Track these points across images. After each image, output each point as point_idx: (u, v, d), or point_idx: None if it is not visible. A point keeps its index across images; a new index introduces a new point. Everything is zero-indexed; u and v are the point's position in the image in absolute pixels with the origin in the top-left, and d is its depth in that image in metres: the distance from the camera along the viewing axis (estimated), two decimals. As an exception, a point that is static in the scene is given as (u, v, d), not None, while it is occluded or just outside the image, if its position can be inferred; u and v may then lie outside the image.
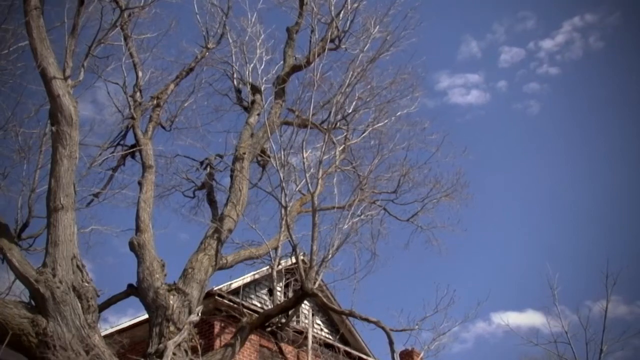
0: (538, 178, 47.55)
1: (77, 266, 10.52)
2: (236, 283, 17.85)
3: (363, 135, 15.58)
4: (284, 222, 12.99)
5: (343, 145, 14.79)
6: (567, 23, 44.43)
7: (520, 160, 44.54)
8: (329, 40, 16.05)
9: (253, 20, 16.80)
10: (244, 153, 14.58)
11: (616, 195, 44.39)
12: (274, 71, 16.75)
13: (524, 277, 43.93)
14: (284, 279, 18.41)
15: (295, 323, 17.62)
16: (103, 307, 12.02)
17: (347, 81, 14.21)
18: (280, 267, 14.77)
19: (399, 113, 16.05)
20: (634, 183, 40.60)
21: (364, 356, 20.63)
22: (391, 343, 11.95)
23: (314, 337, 18.08)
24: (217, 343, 16.36)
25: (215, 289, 16.76)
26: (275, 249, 13.70)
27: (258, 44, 16.53)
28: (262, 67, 16.34)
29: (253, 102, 15.95)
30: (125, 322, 17.47)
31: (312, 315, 19.97)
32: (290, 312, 13.58)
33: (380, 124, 15.67)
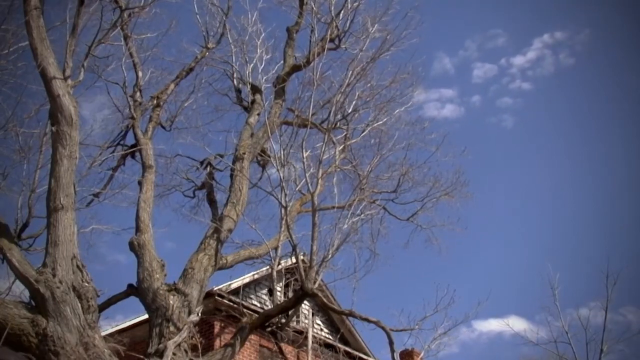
0: (538, 178, 47.61)
1: (77, 266, 10.51)
2: (236, 283, 17.85)
3: (363, 134, 15.59)
4: (284, 222, 12.98)
5: (343, 145, 14.79)
6: (537, 40, 45.92)
7: (499, 169, 45.44)
8: (328, 40, 16.04)
9: (253, 19, 16.82)
10: (244, 153, 14.57)
11: (616, 195, 44.44)
12: (274, 71, 16.77)
13: (524, 277, 44.00)
14: (284, 279, 18.41)
15: (295, 323, 17.62)
16: (103, 307, 12.02)
17: (347, 81, 14.20)
18: (280, 267, 14.76)
19: (397, 111, 16.07)
20: (634, 183, 40.65)
21: (364, 356, 20.62)
22: (391, 343, 11.95)
23: (314, 337, 18.07)
24: (217, 343, 16.36)
25: (215, 289, 16.76)
26: (275, 249, 13.69)
27: (258, 43, 16.53)
28: (262, 66, 16.37)
29: (253, 101, 15.94)
30: (125, 322, 17.48)
31: (312, 315, 19.96)
32: (290, 312, 13.57)
33: (379, 123, 15.67)
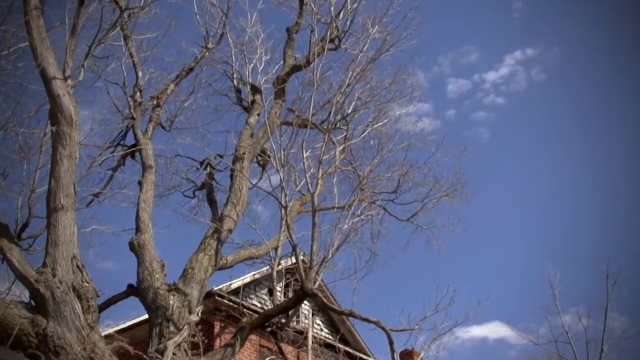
0: (538, 179, 47.64)
1: (77, 266, 10.51)
2: (236, 283, 17.85)
3: (363, 135, 15.59)
4: (284, 222, 12.98)
5: (343, 145, 14.79)
6: (509, 57, 47.09)
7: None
8: (328, 40, 16.03)
9: (253, 20, 16.83)
10: (244, 153, 14.58)
11: (616, 196, 44.48)
12: (273, 71, 16.77)
13: (524, 277, 44.02)
14: (284, 279, 18.42)
15: (295, 323, 17.62)
16: (103, 307, 12.02)
17: (347, 81, 14.21)
18: (280, 267, 14.77)
19: (397, 112, 16.10)
20: (634, 183, 40.69)
21: (364, 356, 20.63)
22: (391, 343, 11.95)
23: (314, 337, 18.08)
24: (217, 343, 16.37)
25: (215, 289, 16.76)
26: (275, 249, 13.69)
27: (258, 44, 16.55)
28: (262, 67, 16.39)
29: (253, 102, 15.95)
30: (126, 322, 17.47)
31: (312, 315, 19.97)
32: (290, 312, 13.57)
33: (380, 124, 15.68)
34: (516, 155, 47.16)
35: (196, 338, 11.83)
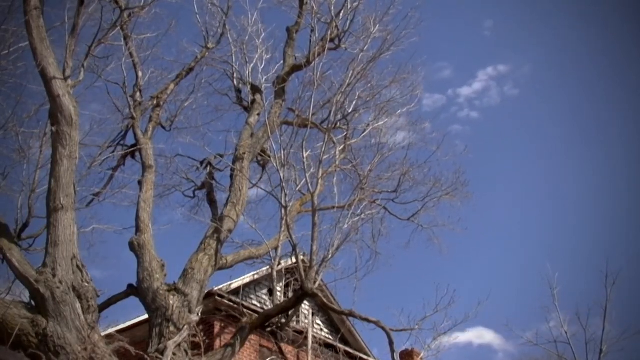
0: (538, 179, 47.68)
1: (77, 266, 10.51)
2: (236, 283, 17.84)
3: (363, 134, 15.59)
4: (284, 222, 12.98)
5: (343, 145, 14.78)
6: (481, 73, 48.03)
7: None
8: (329, 40, 16.03)
9: (253, 19, 16.80)
10: (244, 153, 14.57)
11: (616, 196, 44.51)
12: (274, 71, 16.76)
13: (524, 277, 44.06)
14: (284, 279, 18.41)
15: (295, 323, 17.61)
16: (103, 307, 12.01)
17: (347, 81, 14.20)
18: (280, 267, 14.76)
19: (398, 111, 16.09)
20: (633, 183, 40.72)
21: (364, 356, 20.62)
22: (391, 343, 11.94)
23: (314, 337, 18.07)
24: (217, 343, 16.36)
25: (215, 289, 16.75)
26: (275, 249, 13.68)
27: (258, 43, 16.52)
28: (262, 66, 16.36)
29: (253, 101, 15.93)
30: (126, 322, 17.46)
31: (312, 315, 19.96)
32: (290, 312, 13.56)
33: (380, 123, 15.67)
34: (516, 155, 47.45)
35: (197, 338, 11.83)
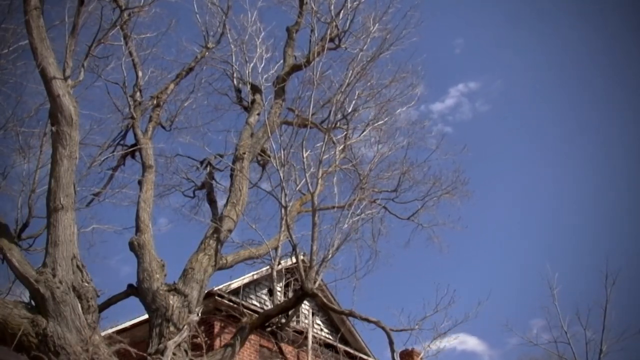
0: (538, 179, 47.72)
1: (77, 266, 10.50)
2: (236, 283, 17.84)
3: (363, 134, 15.58)
4: (284, 222, 12.97)
5: (343, 145, 14.78)
6: (453, 89, 49.01)
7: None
8: (328, 40, 16.01)
9: (253, 19, 16.79)
10: (244, 153, 14.56)
11: (616, 196, 44.56)
12: (273, 70, 16.74)
13: (523, 277, 44.09)
14: (284, 279, 18.40)
15: (295, 323, 17.61)
16: (103, 307, 12.00)
17: (347, 80, 14.19)
18: (280, 267, 14.75)
19: (398, 110, 16.09)
20: (633, 183, 40.77)
21: (364, 356, 20.62)
22: (391, 343, 11.93)
23: (314, 337, 18.07)
24: (217, 343, 16.36)
25: (215, 289, 16.75)
26: (275, 249, 13.67)
27: (258, 43, 16.51)
28: (262, 66, 16.34)
29: (253, 101, 15.92)
30: (126, 322, 17.46)
31: (312, 315, 19.96)
32: (290, 312, 13.55)
33: (380, 123, 15.66)
34: (517, 156, 47.63)
35: (199, 339, 11.82)
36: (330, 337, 20.35)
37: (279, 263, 14.11)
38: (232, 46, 16.54)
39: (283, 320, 13.80)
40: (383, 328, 12.06)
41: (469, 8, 43.60)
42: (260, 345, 17.72)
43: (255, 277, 18.71)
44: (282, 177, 13.00)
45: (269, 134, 14.71)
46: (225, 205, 13.97)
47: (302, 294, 12.26)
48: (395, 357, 11.96)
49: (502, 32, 46.41)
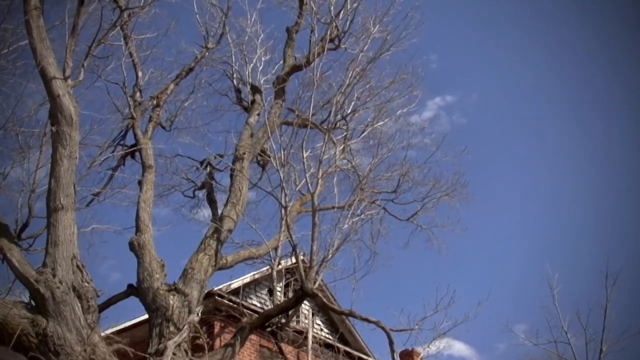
0: (538, 179, 47.76)
1: (77, 266, 10.50)
2: (236, 283, 17.84)
3: (363, 134, 15.59)
4: (284, 222, 12.98)
5: (343, 145, 14.79)
6: (430, 102, 49.73)
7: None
8: (328, 40, 16.02)
9: (252, 20, 16.81)
10: (244, 153, 14.56)
11: (616, 196, 44.59)
12: (273, 71, 16.76)
13: (523, 277, 44.10)
14: (284, 279, 18.41)
15: (295, 323, 17.62)
16: (103, 307, 12.01)
17: (347, 81, 14.20)
18: (280, 267, 14.76)
19: (398, 112, 16.11)
20: (634, 183, 40.81)
21: (364, 356, 20.62)
22: (391, 343, 11.94)
23: (314, 337, 18.08)
24: (217, 343, 16.35)
25: (215, 289, 16.75)
26: (275, 249, 13.69)
27: (258, 43, 16.53)
28: (262, 67, 16.38)
29: (253, 102, 15.93)
30: (126, 322, 17.47)
31: (312, 315, 19.96)
32: (290, 312, 13.57)
33: (380, 124, 15.67)
34: (517, 155, 47.86)
35: (201, 340, 11.81)
36: (330, 337, 20.36)
37: (279, 263, 14.12)
38: (232, 47, 16.57)
39: (283, 320, 13.82)
40: (383, 328, 12.07)
41: (441, 24, 44.74)
42: (260, 345, 17.72)
43: (255, 277, 18.71)
44: (282, 177, 13.01)
45: (269, 134, 14.72)
46: (225, 205, 13.98)
47: (302, 294, 12.27)
48: (395, 357, 11.97)
49: (474, 45, 47.97)
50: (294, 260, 13.95)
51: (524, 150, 48.08)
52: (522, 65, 49.77)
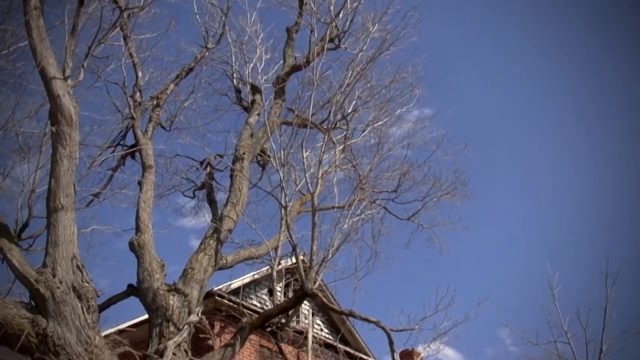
0: (538, 179, 47.77)
1: (77, 266, 10.49)
2: (236, 283, 17.85)
3: (363, 134, 15.59)
4: (284, 222, 12.97)
5: (343, 145, 14.78)
6: (409, 116, 49.94)
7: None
8: (328, 40, 16.00)
9: (252, 19, 16.81)
10: (244, 153, 14.56)
11: (616, 195, 44.61)
12: (273, 71, 16.76)
13: (524, 277, 44.13)
14: (284, 279, 18.41)
15: (295, 323, 17.62)
16: (103, 307, 12.01)
17: (347, 80, 14.20)
18: (280, 267, 14.75)
19: (398, 111, 16.11)
20: (634, 183, 40.82)
21: (364, 356, 20.63)
22: (391, 343, 11.93)
23: (314, 337, 18.09)
24: (217, 343, 16.36)
25: (215, 289, 16.76)
26: (275, 249, 13.68)
27: (257, 43, 16.52)
28: (262, 66, 16.36)
29: (253, 101, 15.93)
30: (126, 322, 17.46)
31: (312, 315, 19.97)
32: (290, 312, 13.56)
33: (380, 123, 15.68)
34: (517, 155, 47.87)
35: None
36: (330, 337, 20.36)
37: (279, 263, 14.11)
38: (232, 47, 16.56)
39: (283, 320, 13.81)
40: (383, 328, 12.06)
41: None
42: (260, 345, 17.73)
43: (255, 277, 18.71)
44: (282, 177, 13.00)
45: (269, 134, 14.71)
46: (225, 205, 13.98)
47: (302, 294, 12.26)
48: (395, 357, 11.96)
49: (448, 59, 47.87)
50: (294, 260, 13.95)
51: (524, 149, 48.14)
52: (522, 64, 49.77)
